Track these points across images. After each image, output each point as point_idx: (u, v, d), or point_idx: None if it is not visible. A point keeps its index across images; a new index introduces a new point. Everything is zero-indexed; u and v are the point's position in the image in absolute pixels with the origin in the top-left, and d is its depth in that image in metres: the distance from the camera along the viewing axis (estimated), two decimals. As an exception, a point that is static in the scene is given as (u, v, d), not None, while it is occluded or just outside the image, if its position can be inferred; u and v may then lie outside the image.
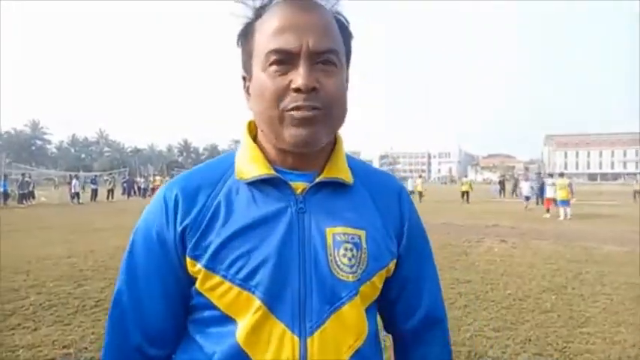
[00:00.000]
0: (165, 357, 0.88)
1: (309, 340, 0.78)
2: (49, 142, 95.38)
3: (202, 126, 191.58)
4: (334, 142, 0.90)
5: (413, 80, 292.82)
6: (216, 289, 0.80)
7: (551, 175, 21.96)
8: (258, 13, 0.83)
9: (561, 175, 17.95)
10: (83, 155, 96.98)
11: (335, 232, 0.83)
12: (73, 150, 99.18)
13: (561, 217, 15.23)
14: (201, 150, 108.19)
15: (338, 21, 0.84)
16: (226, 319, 0.80)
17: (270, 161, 0.85)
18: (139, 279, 0.84)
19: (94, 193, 27.91)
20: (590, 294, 5.53)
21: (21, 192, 24.41)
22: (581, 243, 9.57)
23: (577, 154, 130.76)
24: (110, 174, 38.73)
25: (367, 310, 0.87)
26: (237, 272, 0.78)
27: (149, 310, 0.84)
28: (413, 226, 0.94)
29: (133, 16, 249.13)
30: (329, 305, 0.80)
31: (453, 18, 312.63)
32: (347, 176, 0.87)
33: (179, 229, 0.81)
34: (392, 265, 0.89)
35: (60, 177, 45.89)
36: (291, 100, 0.77)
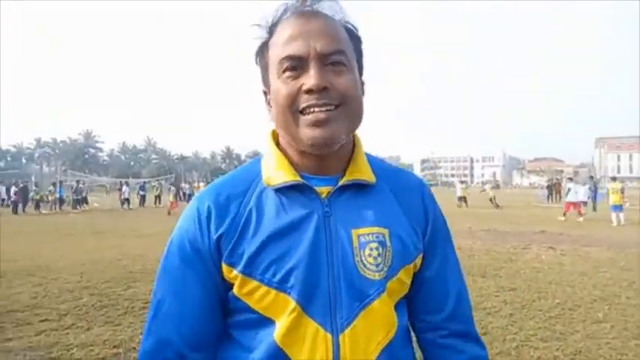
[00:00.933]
0: None
1: (341, 337, 0.82)
2: (101, 150, 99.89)
3: (244, 133, 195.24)
4: (353, 144, 0.93)
5: (454, 82, 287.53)
6: (253, 293, 0.84)
7: (570, 180, 21.02)
8: (271, 30, 0.88)
9: (613, 179, 17.17)
10: (132, 162, 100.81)
11: (360, 232, 0.86)
12: (123, 157, 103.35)
13: (614, 223, 14.50)
14: (243, 157, 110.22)
15: (347, 29, 0.88)
16: (264, 321, 0.84)
17: (294, 167, 0.88)
18: (177, 287, 0.87)
19: (143, 198, 28.94)
20: (647, 304, 5.24)
21: (75, 198, 25.73)
22: (635, 250, 9.06)
23: (630, 156, 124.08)
24: (157, 180, 40.03)
25: (397, 306, 0.90)
26: (273, 276, 0.82)
27: (189, 316, 0.86)
28: (437, 222, 0.97)
29: (177, 29, 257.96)
30: (358, 303, 0.83)
31: (494, 17, 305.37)
32: (369, 176, 0.90)
33: (214, 237, 0.85)
34: (418, 261, 0.92)
35: (111, 183, 47.90)
36: (304, 101, 0.81)
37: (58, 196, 25.52)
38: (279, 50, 0.83)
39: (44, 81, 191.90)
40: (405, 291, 0.92)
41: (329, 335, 0.81)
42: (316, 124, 0.80)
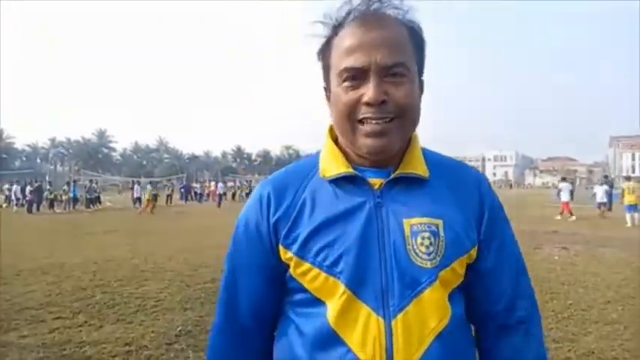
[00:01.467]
0: (265, 333, 0.99)
1: (393, 322, 0.84)
2: (114, 150, 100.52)
3: (254, 133, 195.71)
4: (409, 138, 0.95)
5: (465, 79, 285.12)
6: (307, 274, 0.89)
7: (564, 179, 20.88)
8: (335, 31, 0.90)
9: (628, 178, 17.01)
10: (145, 162, 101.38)
11: (412, 222, 0.88)
12: (135, 157, 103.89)
13: (629, 224, 14.30)
14: (253, 156, 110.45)
15: (411, 29, 0.89)
16: (317, 302, 0.89)
17: (349, 161, 0.93)
18: (241, 264, 0.97)
19: (154, 198, 29.12)
20: (662, 306, 5.16)
21: (88, 197, 26.03)
22: (651, 251, 8.94)
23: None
24: (169, 180, 40.34)
25: (451, 295, 0.91)
26: (324, 260, 0.87)
27: (249, 291, 0.96)
28: (493, 214, 0.97)
29: (188, 29, 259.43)
30: (410, 290, 0.85)
31: (500, 16, 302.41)
32: (422, 170, 0.93)
33: (272, 220, 0.92)
34: (473, 252, 0.93)
35: (123, 182, 48.41)
36: (362, 112, 0.85)
37: (71, 195, 25.79)
38: (340, 59, 0.87)
39: (60, 81, 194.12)
40: (459, 281, 0.92)
41: (381, 320, 0.84)
42: (372, 134, 0.85)
